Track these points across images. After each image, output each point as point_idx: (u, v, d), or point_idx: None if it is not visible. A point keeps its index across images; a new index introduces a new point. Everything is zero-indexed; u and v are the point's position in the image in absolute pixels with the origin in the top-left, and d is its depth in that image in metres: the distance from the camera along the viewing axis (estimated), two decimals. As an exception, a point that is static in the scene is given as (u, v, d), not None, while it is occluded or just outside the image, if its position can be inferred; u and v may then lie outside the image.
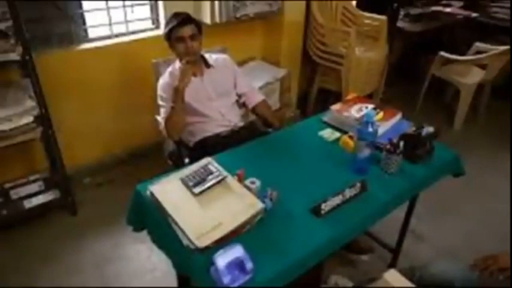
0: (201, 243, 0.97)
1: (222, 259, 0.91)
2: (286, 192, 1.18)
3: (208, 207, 1.08)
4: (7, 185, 1.93)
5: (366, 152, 1.26)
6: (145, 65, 1.88)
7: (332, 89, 2.75)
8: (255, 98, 1.79)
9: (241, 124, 1.72)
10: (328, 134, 1.51)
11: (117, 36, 2.15)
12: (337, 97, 2.50)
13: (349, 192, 1.17)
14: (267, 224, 1.08)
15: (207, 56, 1.71)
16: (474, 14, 3.35)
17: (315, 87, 2.87)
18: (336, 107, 1.58)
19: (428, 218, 2.00)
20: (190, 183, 1.13)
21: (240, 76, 1.78)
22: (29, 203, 1.87)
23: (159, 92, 1.64)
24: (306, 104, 2.92)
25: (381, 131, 1.38)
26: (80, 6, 2.02)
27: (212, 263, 0.91)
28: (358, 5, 2.96)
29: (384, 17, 2.69)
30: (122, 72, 2.16)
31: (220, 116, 1.68)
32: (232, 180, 1.17)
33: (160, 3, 2.18)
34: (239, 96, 1.79)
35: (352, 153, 1.32)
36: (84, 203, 2.02)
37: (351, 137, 1.41)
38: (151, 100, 1.70)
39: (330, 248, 1.09)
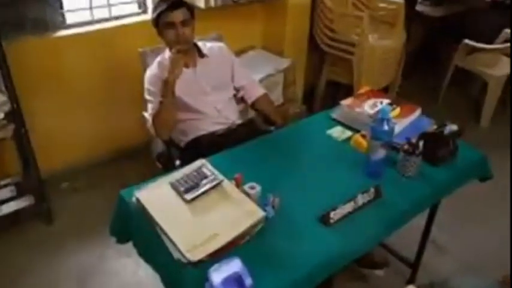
0: (194, 256, 0.97)
1: (218, 274, 0.90)
2: (290, 198, 1.18)
3: (201, 215, 1.08)
4: (-26, 191, 1.93)
5: (380, 153, 1.26)
6: (131, 54, 1.88)
7: (342, 81, 2.75)
8: (255, 92, 1.79)
9: (239, 121, 1.73)
10: (337, 132, 1.51)
11: (98, 22, 2.14)
12: (348, 91, 2.50)
13: (361, 199, 1.17)
14: (268, 235, 1.08)
15: (200, 44, 1.71)
16: (503, -3, 3.35)
17: (323, 79, 2.87)
18: (346, 102, 1.58)
19: (451, 228, 2.01)
20: (182, 189, 1.13)
21: (238, 67, 1.78)
22: (-1, 211, 1.87)
23: (147, 85, 1.64)
24: (313, 99, 2.93)
25: (397, 129, 1.38)
26: (57, -12, 2.02)
27: (207, 279, 0.91)
28: (371, -13, 2.96)
29: (401, 0, 2.69)
30: (105, 63, 2.16)
31: (215, 112, 1.68)
32: (229, 185, 1.17)
33: (148, -16, 2.20)
34: (237, 90, 1.79)
35: (365, 155, 1.32)
36: (61, 210, 2.02)
37: (363, 136, 1.41)
38: (138, 94, 1.70)
39: (340, 261, 1.09)
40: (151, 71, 1.65)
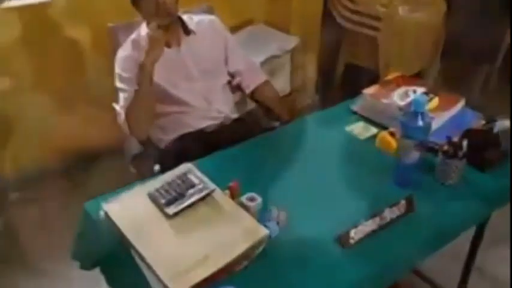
0: (178, 285, 0.96)
1: (208, 309, 0.90)
2: (299, 212, 1.17)
3: (187, 234, 1.08)
4: None
5: (413, 156, 1.25)
6: (98, 31, 1.90)
7: (365, 65, 2.76)
8: (255, 79, 1.79)
9: (234, 115, 1.72)
10: (359, 129, 1.50)
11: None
12: (373, 77, 2.49)
13: (389, 214, 1.17)
14: (272, 258, 1.08)
15: (186, 18, 1.71)
16: None
17: (341, 62, 2.87)
18: (370, 91, 1.57)
19: (501, 250, 2.00)
20: (163, 201, 1.13)
21: (233, 47, 1.78)
22: None
23: (118, 69, 1.64)
24: (328, 87, 2.93)
25: (435, 125, 1.38)
26: None
27: (193, 315, 0.90)
28: None
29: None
30: (63, 43, 2.15)
31: (204, 103, 1.68)
32: (222, 196, 1.16)
33: None
34: (232, 75, 1.79)
35: (394, 158, 1.32)
36: (10, 226, 2.03)
37: (392, 134, 1.41)
38: (107, 82, 1.70)
39: (362, 292, 1.09)
40: (123, 52, 1.65)
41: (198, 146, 1.51)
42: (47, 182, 2.24)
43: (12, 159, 2.21)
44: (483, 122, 1.37)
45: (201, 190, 1.15)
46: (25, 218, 2.12)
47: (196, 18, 1.76)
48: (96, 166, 2.28)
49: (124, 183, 1.25)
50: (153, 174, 1.48)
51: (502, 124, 1.34)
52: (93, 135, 2.31)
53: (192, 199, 1.14)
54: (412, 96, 1.49)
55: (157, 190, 1.16)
